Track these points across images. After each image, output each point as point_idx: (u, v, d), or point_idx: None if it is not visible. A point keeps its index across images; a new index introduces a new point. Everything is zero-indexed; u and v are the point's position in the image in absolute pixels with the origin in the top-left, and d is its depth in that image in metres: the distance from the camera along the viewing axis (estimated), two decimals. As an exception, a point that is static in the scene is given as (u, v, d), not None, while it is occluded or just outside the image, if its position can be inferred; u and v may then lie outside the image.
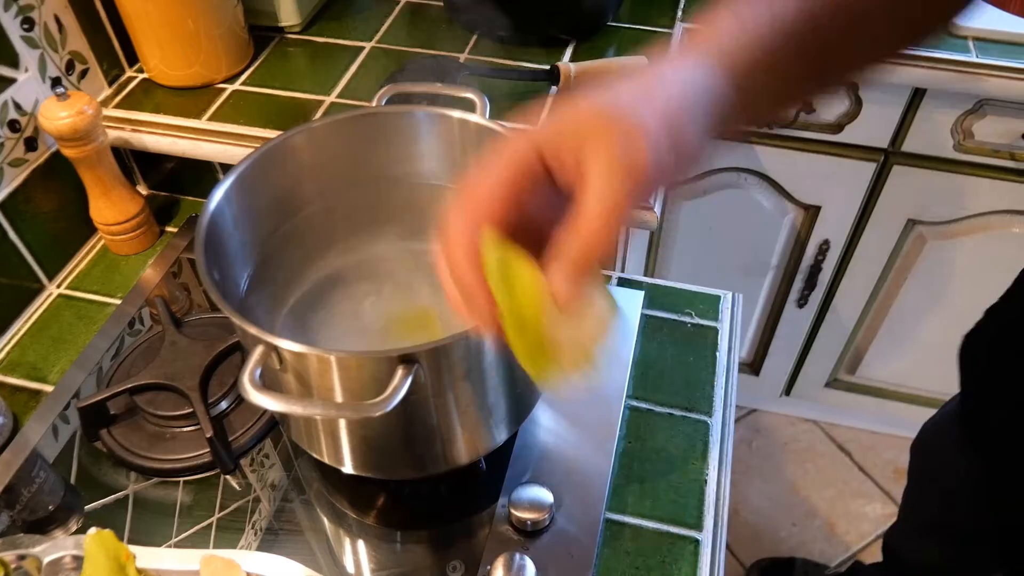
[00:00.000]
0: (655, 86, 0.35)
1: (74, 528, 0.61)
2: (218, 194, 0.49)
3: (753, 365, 1.38)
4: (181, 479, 0.62)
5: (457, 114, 0.58)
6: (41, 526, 0.61)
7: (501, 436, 0.58)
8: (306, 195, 0.59)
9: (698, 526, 0.59)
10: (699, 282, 1.24)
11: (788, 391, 1.41)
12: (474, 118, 0.58)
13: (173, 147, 0.78)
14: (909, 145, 0.98)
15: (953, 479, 0.81)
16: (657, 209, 0.69)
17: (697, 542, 0.58)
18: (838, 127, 0.98)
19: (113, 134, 0.78)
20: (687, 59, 0.36)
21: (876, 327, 1.23)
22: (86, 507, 0.61)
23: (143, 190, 0.87)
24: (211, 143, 0.77)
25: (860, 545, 1.33)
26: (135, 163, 0.85)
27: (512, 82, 0.81)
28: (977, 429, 0.71)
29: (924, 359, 1.25)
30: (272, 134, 0.76)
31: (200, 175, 0.83)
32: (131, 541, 0.57)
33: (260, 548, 0.58)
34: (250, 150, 0.75)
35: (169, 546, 0.58)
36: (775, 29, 0.35)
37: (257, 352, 0.43)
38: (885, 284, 1.16)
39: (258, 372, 0.43)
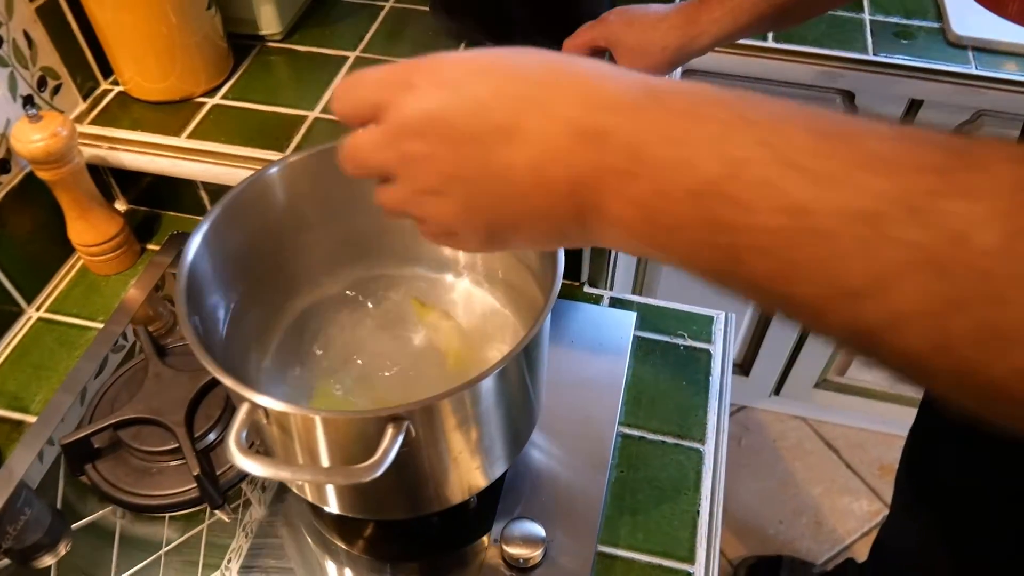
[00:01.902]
0: None
1: (63, 553, 0.61)
2: (195, 242, 0.47)
3: (743, 366, 1.38)
4: (168, 515, 0.61)
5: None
6: (28, 554, 0.60)
7: (495, 474, 0.57)
8: (288, 228, 0.58)
9: (690, 559, 0.59)
10: (690, 287, 1.24)
11: (777, 391, 1.42)
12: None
13: (152, 165, 0.76)
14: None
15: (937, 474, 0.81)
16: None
17: (690, 576, 0.58)
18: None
19: (89, 152, 0.76)
20: None
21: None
22: (72, 526, 0.60)
23: (122, 205, 0.85)
24: (191, 162, 0.75)
25: (847, 542, 1.34)
26: (113, 178, 0.82)
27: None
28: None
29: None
30: (254, 153, 0.74)
31: (181, 190, 0.81)
32: (117, 583, 0.56)
33: (249, 587, 0.57)
34: (231, 170, 0.74)
35: (156, 588, 0.57)
36: None
37: (243, 411, 0.42)
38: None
39: (244, 434, 0.42)
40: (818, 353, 1.30)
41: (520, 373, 0.51)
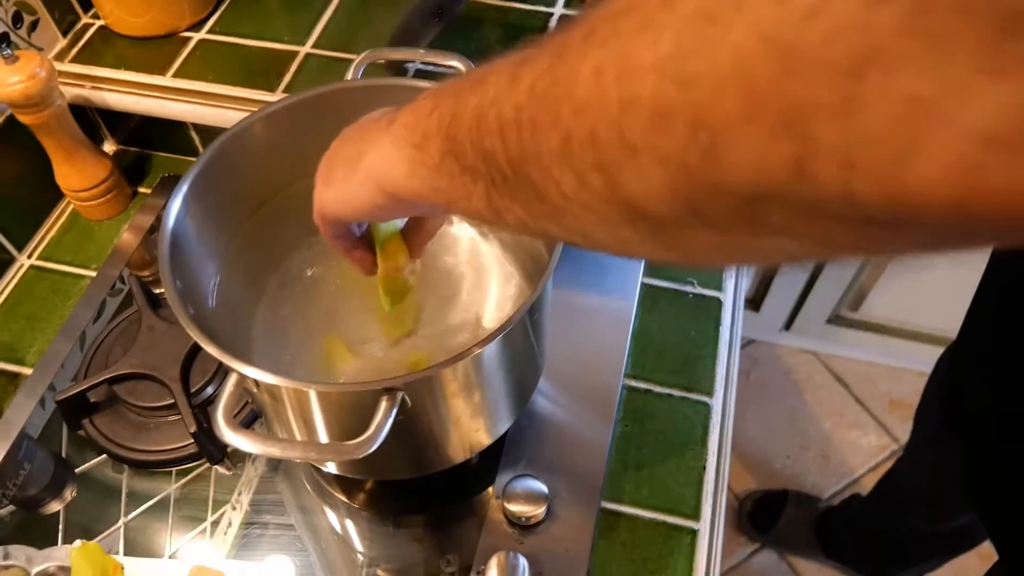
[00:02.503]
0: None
1: (69, 498, 0.61)
2: (175, 204, 0.45)
3: (754, 301, 1.36)
4: (168, 470, 0.60)
5: (441, 89, 0.53)
6: (35, 502, 0.60)
7: (499, 432, 0.56)
8: (277, 180, 0.55)
9: (695, 516, 0.58)
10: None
11: (788, 326, 1.40)
12: (460, 93, 0.53)
13: (138, 106, 0.72)
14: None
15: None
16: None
17: (695, 533, 0.57)
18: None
19: (72, 92, 0.72)
20: None
21: (882, 266, 1.20)
22: (77, 471, 0.61)
23: (111, 146, 0.82)
24: (178, 102, 0.71)
25: (853, 477, 1.35)
26: (100, 118, 0.79)
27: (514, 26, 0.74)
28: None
29: (929, 298, 1.23)
30: (243, 93, 0.70)
31: (171, 131, 0.77)
32: (125, 537, 0.56)
33: (249, 541, 0.57)
34: (220, 111, 0.71)
35: (159, 544, 0.57)
36: None
37: (231, 383, 0.41)
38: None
39: (233, 407, 0.40)
40: (831, 288, 1.27)
41: (524, 333, 0.49)
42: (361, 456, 0.38)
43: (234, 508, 0.59)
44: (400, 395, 0.40)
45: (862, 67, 0.15)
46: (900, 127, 0.15)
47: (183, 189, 0.45)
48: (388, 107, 0.37)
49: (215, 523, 0.58)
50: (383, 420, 0.39)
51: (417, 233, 0.46)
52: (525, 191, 0.25)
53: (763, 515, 1.28)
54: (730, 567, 1.28)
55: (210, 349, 0.40)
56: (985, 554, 1.30)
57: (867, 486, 1.30)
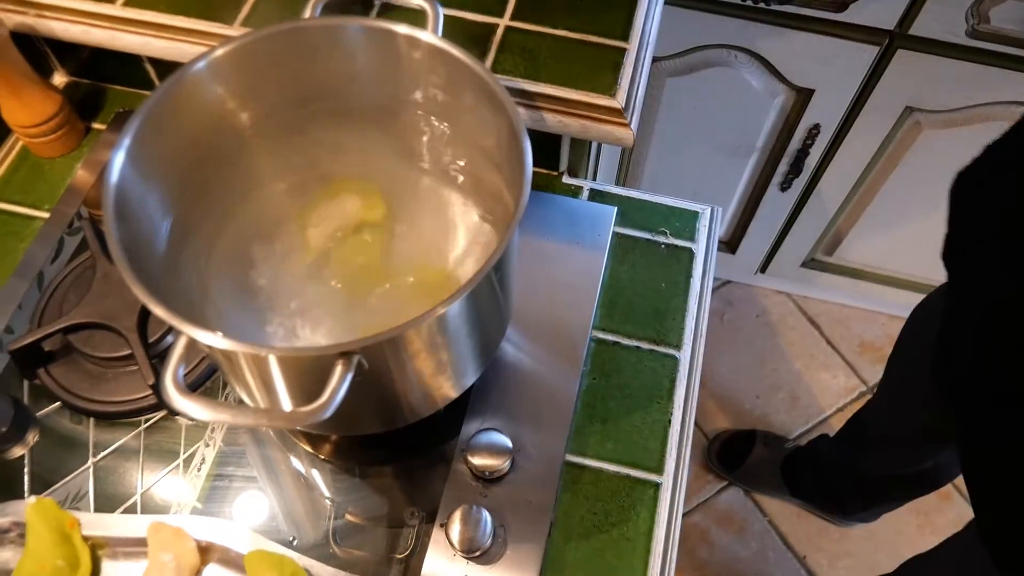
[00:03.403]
0: None
1: (32, 443, 0.60)
2: (119, 158, 0.42)
3: (730, 244, 1.35)
4: (126, 421, 0.59)
5: (403, 30, 0.50)
6: (-5, 448, 0.60)
7: (465, 385, 0.55)
8: (229, 123, 0.52)
9: (659, 469, 0.58)
10: (679, 164, 1.19)
11: (764, 269, 1.40)
12: (425, 36, 0.50)
13: (87, 36, 0.68)
14: (918, 28, 0.89)
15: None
16: (633, 124, 0.62)
17: (657, 486, 0.58)
18: (842, 5, 0.88)
19: (13, 19, 0.68)
20: None
21: (859, 212, 1.20)
22: (39, 414, 0.60)
23: (61, 78, 0.78)
24: (130, 34, 0.67)
25: (821, 418, 1.38)
26: (48, 47, 0.75)
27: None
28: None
29: (904, 244, 1.23)
30: (198, 25, 0.66)
31: (125, 62, 0.73)
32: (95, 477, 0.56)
33: (212, 493, 0.57)
34: (175, 44, 0.67)
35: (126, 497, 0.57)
36: None
37: (180, 346, 0.39)
38: (873, 171, 1.11)
39: (182, 370, 0.39)
40: (808, 232, 1.27)
41: (489, 289, 0.48)
42: (315, 421, 0.37)
43: (207, 445, 0.59)
44: (356, 358, 0.39)
45: None
46: None
47: (130, 133, 0.43)
48: None
49: (188, 460, 0.58)
50: (338, 385, 0.38)
51: None
52: None
53: (731, 454, 1.31)
54: (698, 503, 1.32)
55: (158, 311, 0.39)
56: (944, 494, 1.35)
57: (835, 427, 1.33)
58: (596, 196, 0.71)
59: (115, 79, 0.77)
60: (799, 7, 0.90)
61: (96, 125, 0.75)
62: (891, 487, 1.07)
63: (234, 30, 0.66)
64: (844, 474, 1.15)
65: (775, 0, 0.87)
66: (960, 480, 1.35)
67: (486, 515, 0.53)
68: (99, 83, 0.77)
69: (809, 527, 1.30)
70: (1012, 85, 0.93)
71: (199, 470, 0.58)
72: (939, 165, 1.07)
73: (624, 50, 0.64)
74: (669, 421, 0.60)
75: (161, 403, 0.59)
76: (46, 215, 0.69)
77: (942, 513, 1.34)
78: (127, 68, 0.74)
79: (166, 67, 0.71)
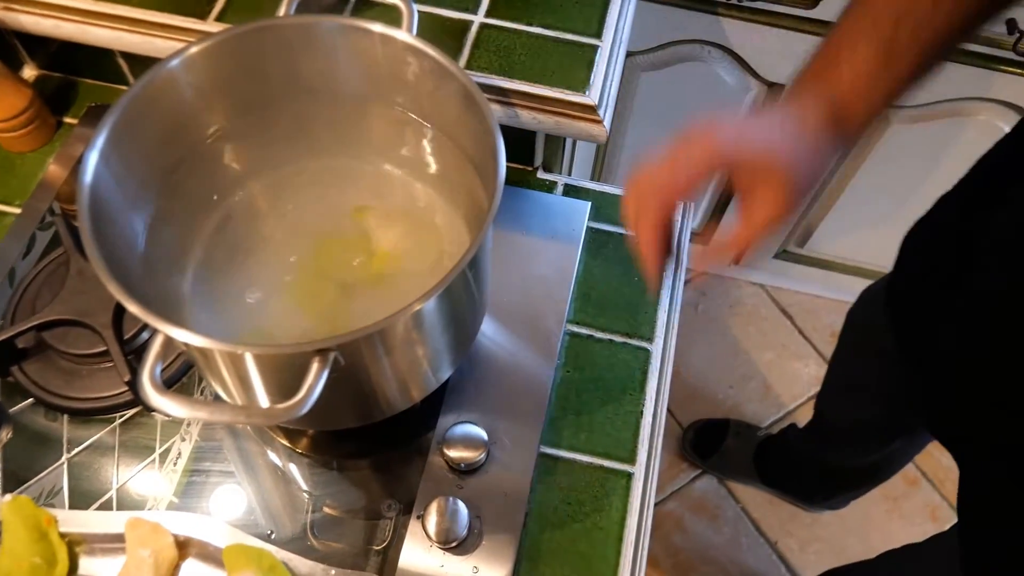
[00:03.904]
0: (801, 141, 0.47)
1: (5, 439, 0.60)
2: (92, 157, 0.42)
3: (703, 236, 1.37)
4: (101, 417, 0.60)
5: (378, 28, 0.51)
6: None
7: (442, 378, 0.56)
8: (205, 121, 0.52)
9: (631, 460, 0.59)
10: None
11: (736, 260, 1.42)
12: (400, 35, 0.50)
13: (57, 30, 0.67)
14: (886, 25, 0.90)
15: (878, 345, 0.82)
16: (606, 121, 0.63)
17: (630, 476, 0.59)
18: (812, 1, 0.90)
19: (-17, 13, 0.67)
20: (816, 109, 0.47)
21: (829, 205, 1.22)
22: (12, 410, 0.59)
23: (31, 71, 0.77)
24: (102, 28, 0.66)
25: (792, 407, 1.40)
26: (18, 40, 0.74)
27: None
28: (899, 307, 0.72)
29: (873, 236, 1.25)
30: (172, 20, 0.66)
31: (97, 56, 0.72)
32: (69, 473, 0.56)
33: (188, 488, 0.57)
34: (148, 38, 0.66)
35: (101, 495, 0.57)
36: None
37: (157, 344, 0.40)
38: (843, 165, 1.13)
39: (159, 368, 0.39)
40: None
41: (464, 285, 0.49)
42: (292, 418, 0.38)
43: (183, 439, 0.59)
44: (332, 355, 0.40)
45: None
46: None
47: (104, 131, 0.43)
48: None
49: (164, 455, 0.58)
50: (314, 382, 0.39)
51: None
52: None
53: (705, 443, 1.33)
54: (672, 491, 1.34)
55: (134, 310, 0.39)
56: (912, 479, 1.38)
57: (806, 415, 1.36)
58: (571, 191, 0.72)
59: (87, 73, 0.76)
60: (770, 3, 0.91)
61: (68, 119, 0.75)
62: (854, 476, 1.10)
63: (208, 25, 0.66)
64: (811, 464, 1.17)
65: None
66: (927, 466, 1.38)
67: (462, 506, 0.54)
68: (70, 76, 0.77)
69: (781, 513, 1.33)
70: (976, 81, 0.95)
71: (175, 465, 0.58)
72: (907, 159, 1.09)
73: (597, 47, 0.65)
74: (641, 412, 0.61)
75: (138, 400, 0.59)
76: (17, 211, 0.69)
77: (909, 499, 1.37)
78: (99, 62, 0.74)
79: (139, 61, 0.71)
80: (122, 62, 0.73)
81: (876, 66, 0.46)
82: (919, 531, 1.35)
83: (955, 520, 0.63)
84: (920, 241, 0.68)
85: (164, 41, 0.66)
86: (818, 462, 1.14)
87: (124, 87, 0.46)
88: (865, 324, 0.90)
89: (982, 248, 0.55)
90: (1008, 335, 0.51)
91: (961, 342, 0.57)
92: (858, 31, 0.46)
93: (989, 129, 1.01)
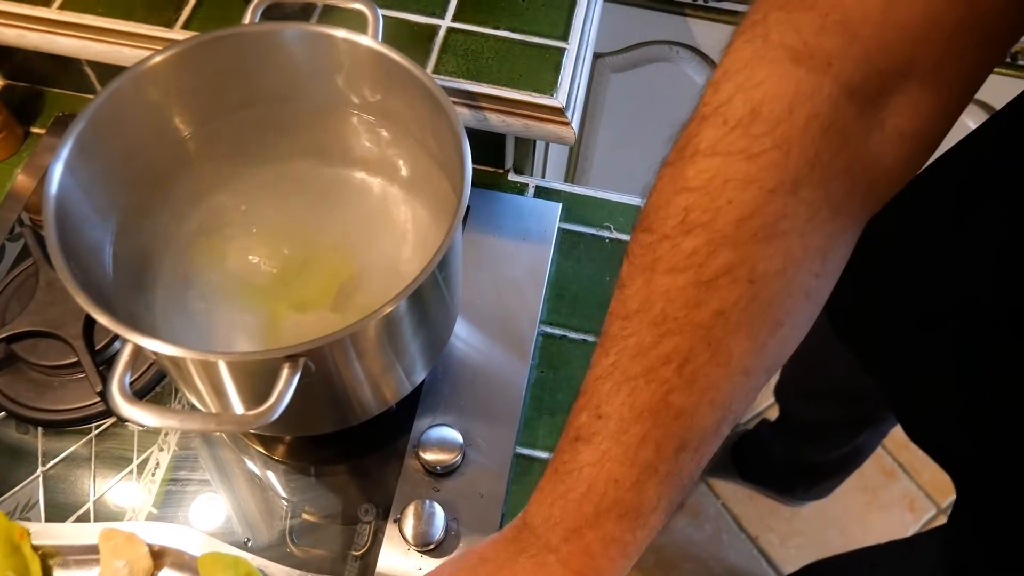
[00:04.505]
0: None
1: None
2: (57, 169, 0.42)
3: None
4: (75, 428, 0.59)
5: (342, 34, 0.51)
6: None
7: (416, 381, 0.56)
8: (171, 129, 0.52)
9: (607, 457, 0.60)
10: (627, 158, 1.21)
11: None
12: (364, 40, 0.51)
13: (21, 40, 0.67)
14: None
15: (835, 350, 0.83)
16: (574, 123, 0.64)
17: (605, 473, 0.59)
18: (776, 1, 0.91)
19: (-54, 25, 0.66)
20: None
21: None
22: None
23: (-2, 82, 0.76)
24: (67, 37, 0.66)
25: (769, 402, 1.42)
26: (-17, 51, 0.73)
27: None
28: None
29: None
30: (138, 28, 0.66)
31: (64, 65, 0.72)
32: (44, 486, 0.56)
33: (167, 498, 0.57)
34: (114, 47, 0.66)
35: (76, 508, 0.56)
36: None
37: (126, 353, 0.40)
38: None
39: (128, 378, 0.39)
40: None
41: (434, 287, 0.49)
42: (263, 424, 0.38)
43: (161, 449, 0.59)
44: (303, 361, 0.40)
45: None
46: None
47: (69, 141, 0.43)
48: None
49: (141, 465, 0.58)
50: (284, 388, 0.39)
51: None
52: None
53: (684, 439, 1.34)
54: (653, 488, 1.35)
55: (103, 320, 0.39)
56: (888, 471, 1.40)
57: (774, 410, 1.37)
58: (542, 193, 0.72)
59: (54, 82, 0.76)
60: (736, 3, 0.93)
61: (35, 129, 0.74)
62: (828, 467, 1.12)
63: (174, 33, 0.66)
64: (785, 458, 1.19)
65: (712, -3, 0.89)
66: (903, 457, 1.40)
67: (438, 509, 0.54)
68: (37, 86, 0.76)
69: (761, 508, 1.35)
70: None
71: (153, 475, 0.58)
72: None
73: (564, 50, 0.66)
74: (615, 411, 0.62)
75: (110, 410, 0.58)
76: (-15, 222, 0.68)
77: (887, 490, 1.39)
78: (66, 71, 0.73)
79: (106, 70, 0.71)
80: (89, 71, 0.73)
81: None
82: (898, 522, 1.37)
83: (932, 511, 0.64)
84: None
85: (131, 50, 0.65)
86: (791, 456, 1.15)
87: (92, 96, 0.46)
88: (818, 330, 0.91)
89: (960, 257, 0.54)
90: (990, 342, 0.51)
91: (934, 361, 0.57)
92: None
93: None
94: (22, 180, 0.71)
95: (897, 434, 0.92)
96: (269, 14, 0.54)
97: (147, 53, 0.49)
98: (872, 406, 0.90)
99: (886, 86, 0.33)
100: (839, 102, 0.33)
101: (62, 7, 0.67)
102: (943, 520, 1.36)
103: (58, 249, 0.40)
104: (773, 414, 1.27)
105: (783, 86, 0.33)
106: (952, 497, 0.60)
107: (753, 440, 1.28)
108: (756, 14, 0.35)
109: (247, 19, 0.52)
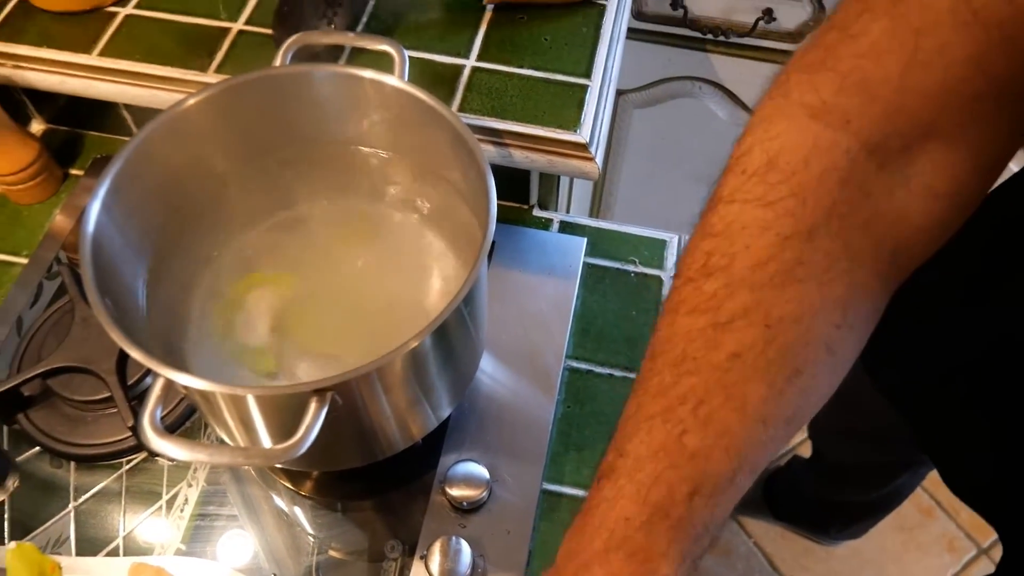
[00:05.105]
0: None
1: (11, 488, 0.60)
2: (95, 207, 0.43)
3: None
4: (107, 463, 0.60)
5: (369, 75, 0.52)
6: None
7: (441, 417, 0.56)
8: (204, 170, 0.54)
9: (635, 494, 0.59)
10: (650, 193, 1.21)
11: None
12: (390, 80, 0.52)
13: (63, 86, 0.70)
14: (871, 58, 0.92)
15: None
16: (598, 158, 0.65)
17: (633, 510, 0.59)
18: (800, 36, 0.92)
19: (-7, 72, 0.69)
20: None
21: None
22: (19, 459, 0.60)
23: (39, 125, 0.79)
24: (106, 82, 0.69)
25: (801, 439, 1.39)
26: (25, 96, 0.76)
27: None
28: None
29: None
30: (174, 73, 0.68)
31: (102, 109, 0.75)
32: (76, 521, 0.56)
33: (195, 533, 0.57)
34: (150, 91, 0.68)
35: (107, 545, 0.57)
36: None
37: (158, 388, 0.40)
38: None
39: (159, 412, 0.40)
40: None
41: (460, 322, 0.49)
42: (291, 458, 0.38)
43: (190, 485, 0.59)
44: (330, 395, 0.41)
45: None
46: None
47: (106, 182, 0.44)
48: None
49: (171, 501, 0.58)
50: (312, 422, 0.39)
51: None
52: None
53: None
54: (682, 526, 1.32)
55: (136, 355, 0.40)
56: (926, 509, 1.36)
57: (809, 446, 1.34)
58: (566, 228, 0.73)
59: (92, 125, 0.78)
60: (758, 39, 0.94)
61: (74, 171, 0.76)
62: (863, 508, 1.09)
63: (208, 77, 0.68)
64: (818, 497, 1.16)
65: (734, 33, 0.90)
66: (942, 495, 1.36)
67: (465, 546, 0.54)
68: (76, 129, 0.79)
69: (794, 547, 1.31)
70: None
71: (182, 511, 0.58)
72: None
73: (587, 87, 0.66)
74: (643, 446, 0.61)
75: (141, 445, 0.59)
76: (24, 261, 0.70)
77: (926, 529, 1.35)
78: (104, 114, 0.76)
79: (142, 113, 0.73)
80: (126, 114, 0.75)
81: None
82: (936, 563, 1.32)
83: (973, 551, 0.62)
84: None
85: (166, 93, 0.68)
86: (825, 495, 1.13)
87: (128, 138, 0.47)
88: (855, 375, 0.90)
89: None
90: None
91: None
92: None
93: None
94: (60, 220, 0.73)
95: (936, 472, 0.90)
96: (299, 56, 0.55)
97: (182, 96, 0.51)
98: (909, 448, 0.88)
99: (908, 145, 0.33)
100: (857, 157, 0.34)
101: (101, 54, 0.69)
102: (984, 561, 1.32)
103: (94, 286, 0.41)
104: (806, 451, 1.24)
105: (800, 139, 0.34)
106: (994, 537, 0.58)
107: (786, 477, 1.25)
108: (781, 75, 0.37)
109: (277, 61, 0.53)
